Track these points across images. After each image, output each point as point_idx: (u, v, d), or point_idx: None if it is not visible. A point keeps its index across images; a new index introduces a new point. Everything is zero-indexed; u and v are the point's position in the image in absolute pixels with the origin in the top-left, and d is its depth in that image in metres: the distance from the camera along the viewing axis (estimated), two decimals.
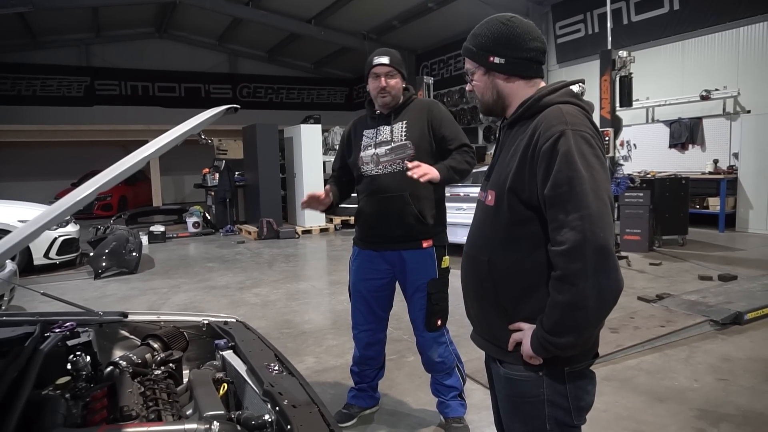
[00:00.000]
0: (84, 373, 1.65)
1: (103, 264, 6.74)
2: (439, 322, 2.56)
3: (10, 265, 4.77)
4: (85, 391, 1.56)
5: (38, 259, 6.67)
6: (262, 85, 20.76)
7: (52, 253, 6.78)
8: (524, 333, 1.34)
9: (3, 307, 4.51)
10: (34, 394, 1.43)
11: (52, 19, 14.80)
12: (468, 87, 1.53)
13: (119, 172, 1.31)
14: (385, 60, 2.46)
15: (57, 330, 1.83)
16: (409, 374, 3.42)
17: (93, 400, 1.50)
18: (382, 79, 2.45)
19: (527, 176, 1.31)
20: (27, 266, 6.59)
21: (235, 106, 1.58)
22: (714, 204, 9.09)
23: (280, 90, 21.09)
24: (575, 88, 1.41)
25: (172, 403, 1.53)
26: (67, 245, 6.98)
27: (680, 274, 6.03)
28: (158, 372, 1.70)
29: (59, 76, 17.46)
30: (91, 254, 7.04)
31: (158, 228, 9.95)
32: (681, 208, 7.70)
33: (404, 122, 2.51)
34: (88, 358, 1.71)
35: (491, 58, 1.41)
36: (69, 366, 1.65)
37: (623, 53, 7.00)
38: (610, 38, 7.66)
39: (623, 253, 6.91)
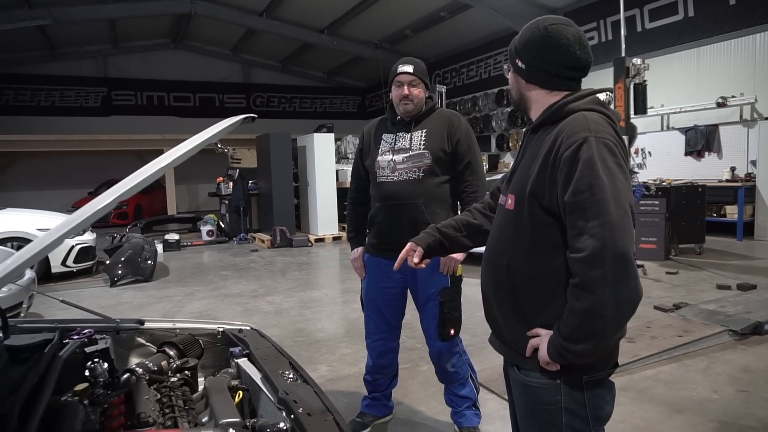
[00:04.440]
0: (101, 379, 1.66)
1: (119, 272, 6.81)
2: (452, 332, 2.53)
3: (29, 273, 4.85)
4: (102, 397, 1.58)
5: (56, 267, 6.77)
6: (276, 95, 20.95)
7: (70, 261, 6.88)
8: (541, 339, 1.34)
9: (22, 315, 4.57)
10: (53, 401, 1.45)
11: (71, 32, 15.10)
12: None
13: (139, 181, 1.33)
14: (409, 69, 2.48)
15: (75, 337, 1.85)
16: (423, 383, 3.40)
17: (111, 406, 1.51)
18: (406, 87, 2.47)
19: (548, 182, 1.31)
20: (45, 274, 6.70)
21: (252, 115, 1.60)
22: (731, 212, 8.95)
23: (294, 99, 21.26)
24: (602, 96, 1.40)
25: (188, 410, 1.54)
26: (84, 253, 7.08)
27: (697, 283, 5.94)
28: (174, 379, 1.71)
29: (77, 86, 17.79)
30: (108, 262, 7.13)
31: (173, 236, 10.04)
32: (697, 216, 7.60)
33: (424, 131, 2.52)
34: (106, 365, 1.72)
35: (517, 61, 1.44)
36: (87, 373, 1.67)
37: (637, 60, 6.96)
38: (624, 45, 7.62)
39: (639, 262, 6.82)
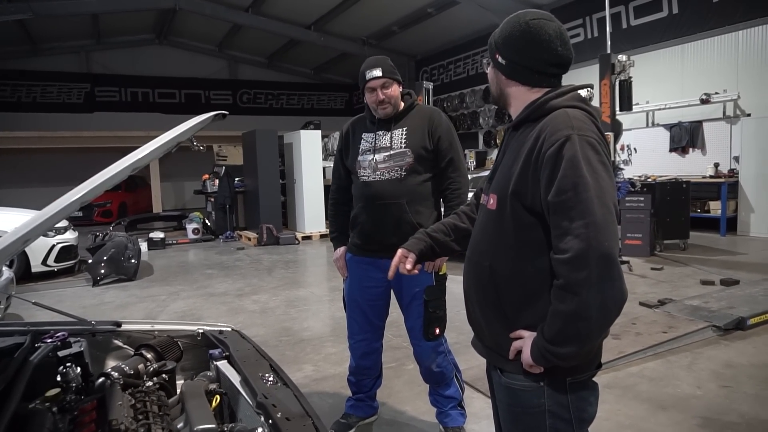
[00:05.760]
0: (74, 384, 1.62)
1: (102, 271, 6.70)
2: (438, 331, 2.48)
3: (6, 273, 4.73)
4: (74, 403, 1.53)
5: (36, 266, 6.64)
6: (262, 91, 20.78)
7: (50, 261, 6.75)
8: (525, 341, 1.31)
9: (0, 315, 4.47)
10: (21, 407, 1.40)
11: (52, 26, 14.83)
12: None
13: (103, 181, 1.28)
14: (377, 73, 2.39)
15: (48, 340, 1.80)
16: (409, 382, 3.37)
17: (81, 413, 1.47)
18: (379, 92, 2.40)
19: (530, 181, 1.28)
20: (25, 273, 6.56)
21: (223, 112, 1.56)
22: (715, 208, 9.06)
23: (281, 96, 21.12)
24: (583, 92, 1.38)
25: (162, 416, 1.49)
26: (66, 252, 6.95)
27: (682, 278, 5.99)
28: (150, 384, 1.67)
29: (59, 82, 17.47)
30: (90, 261, 7.01)
31: (158, 234, 9.92)
32: (682, 212, 7.67)
33: (404, 129, 2.47)
34: (79, 369, 1.68)
35: (497, 56, 1.41)
36: (59, 377, 1.62)
37: (623, 57, 7.00)
38: (609, 42, 7.66)
39: (624, 258, 6.87)
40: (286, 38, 16.73)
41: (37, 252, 6.59)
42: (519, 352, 1.32)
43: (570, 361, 1.25)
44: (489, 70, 1.47)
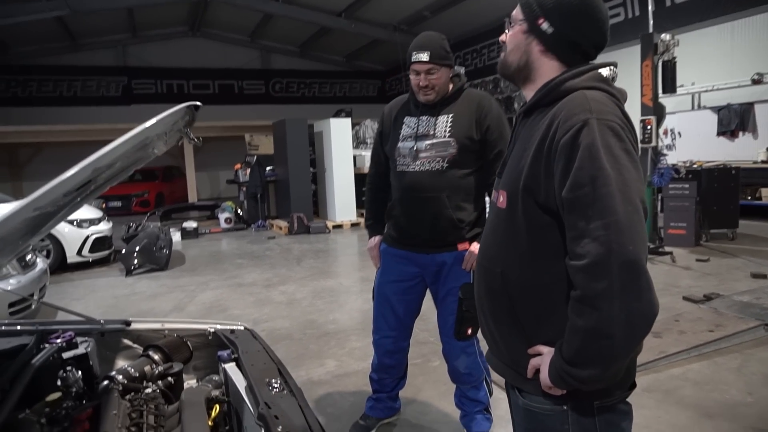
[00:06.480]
0: (74, 389, 1.56)
1: (134, 261, 6.80)
2: (470, 331, 2.34)
3: (40, 264, 4.83)
4: (71, 410, 1.47)
5: (72, 257, 6.78)
6: (295, 80, 20.84)
7: (85, 251, 6.89)
8: (543, 358, 1.15)
9: (33, 306, 4.55)
10: (11, 417, 1.33)
11: (90, 22, 15.18)
12: (502, 37, 1.30)
13: (56, 185, 1.18)
14: (424, 56, 2.18)
15: (57, 341, 1.75)
16: (435, 380, 3.24)
17: (74, 423, 1.40)
18: (423, 76, 2.21)
19: (543, 174, 1.11)
20: (61, 264, 6.72)
21: (196, 103, 1.44)
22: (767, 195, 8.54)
23: (313, 84, 21.14)
24: (605, 71, 1.18)
25: (157, 427, 1.41)
26: (100, 243, 7.08)
27: (730, 271, 5.62)
28: (148, 391, 1.59)
29: (98, 76, 17.96)
30: (123, 251, 7.12)
31: (191, 224, 10.04)
32: (731, 200, 7.23)
33: (450, 116, 2.27)
34: (80, 373, 1.61)
35: (540, 21, 1.19)
36: (59, 382, 1.56)
37: (666, 36, 6.60)
38: (651, 21, 7.24)
39: (667, 249, 6.53)
40: (317, 26, 16.65)
41: (72, 243, 6.74)
42: (538, 371, 1.16)
43: (593, 385, 1.08)
44: (515, 33, 1.25)
